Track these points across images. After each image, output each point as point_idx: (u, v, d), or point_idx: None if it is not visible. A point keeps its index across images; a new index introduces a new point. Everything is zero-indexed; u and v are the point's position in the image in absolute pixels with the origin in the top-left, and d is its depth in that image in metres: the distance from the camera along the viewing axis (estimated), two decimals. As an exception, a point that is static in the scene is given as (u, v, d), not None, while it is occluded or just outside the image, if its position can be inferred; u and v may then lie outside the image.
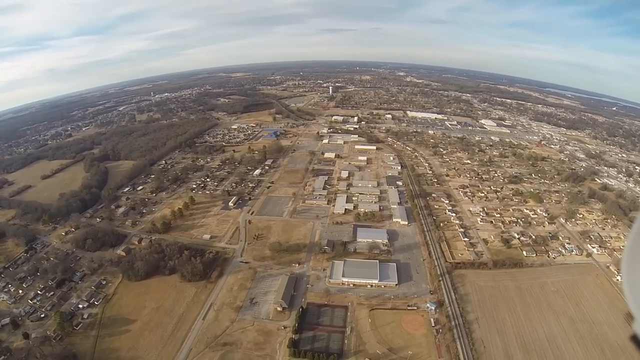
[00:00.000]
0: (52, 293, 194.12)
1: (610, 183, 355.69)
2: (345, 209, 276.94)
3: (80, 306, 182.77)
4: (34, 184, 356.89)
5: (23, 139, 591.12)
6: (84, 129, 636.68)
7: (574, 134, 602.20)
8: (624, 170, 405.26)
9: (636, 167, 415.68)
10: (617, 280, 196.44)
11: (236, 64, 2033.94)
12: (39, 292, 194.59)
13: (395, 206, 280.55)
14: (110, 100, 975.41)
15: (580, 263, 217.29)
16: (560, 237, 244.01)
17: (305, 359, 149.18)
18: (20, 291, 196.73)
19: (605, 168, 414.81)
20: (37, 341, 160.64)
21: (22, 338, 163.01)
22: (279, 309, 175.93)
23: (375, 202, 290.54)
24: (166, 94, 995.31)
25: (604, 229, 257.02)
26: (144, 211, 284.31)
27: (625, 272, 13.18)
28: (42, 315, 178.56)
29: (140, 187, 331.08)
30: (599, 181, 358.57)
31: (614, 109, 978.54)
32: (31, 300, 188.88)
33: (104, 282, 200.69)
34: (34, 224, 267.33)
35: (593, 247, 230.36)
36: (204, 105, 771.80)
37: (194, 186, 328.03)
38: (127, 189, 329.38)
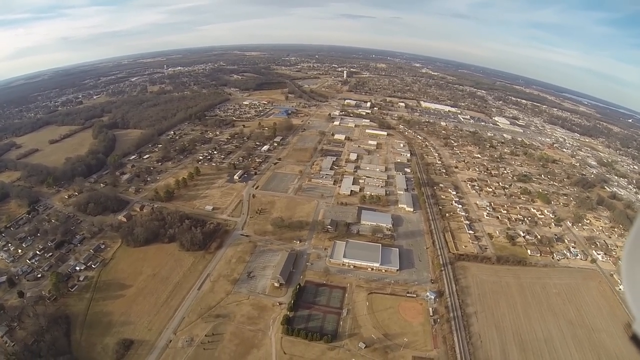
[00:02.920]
0: (50, 254, 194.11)
1: (619, 192, 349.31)
2: (351, 190, 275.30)
3: (78, 268, 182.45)
4: (42, 148, 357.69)
5: (34, 104, 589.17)
6: (95, 97, 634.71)
7: (587, 140, 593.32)
8: (634, 181, 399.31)
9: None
10: (620, 289, 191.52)
11: (252, 43, 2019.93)
12: (37, 252, 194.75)
13: (402, 192, 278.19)
14: (123, 71, 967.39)
15: (584, 268, 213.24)
16: (565, 240, 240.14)
17: (298, 337, 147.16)
18: (20, 251, 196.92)
19: (616, 177, 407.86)
20: (31, 300, 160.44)
21: (17, 296, 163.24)
22: (276, 284, 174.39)
23: (381, 187, 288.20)
24: (179, 67, 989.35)
25: (610, 237, 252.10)
26: (148, 179, 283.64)
27: (625, 272, 12.62)
28: (39, 275, 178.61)
29: (147, 156, 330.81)
30: (608, 189, 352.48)
31: (630, 120, 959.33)
32: (29, 260, 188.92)
33: (102, 246, 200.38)
34: (38, 186, 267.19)
35: (598, 254, 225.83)
36: (216, 80, 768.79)
37: (201, 158, 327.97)
38: (133, 156, 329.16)
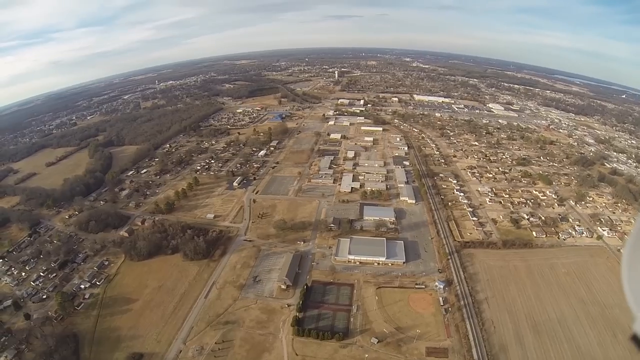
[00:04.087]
0: (54, 275, 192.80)
1: (619, 168, 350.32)
2: (352, 187, 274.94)
3: (82, 287, 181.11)
4: (39, 171, 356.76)
5: (28, 129, 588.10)
6: (88, 117, 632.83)
7: (582, 119, 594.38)
8: (633, 155, 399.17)
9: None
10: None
11: (241, 52, 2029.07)
12: (41, 274, 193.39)
13: (403, 185, 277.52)
14: (115, 90, 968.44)
15: (590, 245, 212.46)
16: (570, 219, 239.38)
17: (309, 337, 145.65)
18: (23, 274, 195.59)
19: (615, 153, 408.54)
20: (38, 322, 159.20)
21: (24, 319, 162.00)
22: (283, 287, 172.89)
23: (382, 181, 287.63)
24: (171, 81, 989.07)
25: (614, 213, 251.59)
26: (147, 193, 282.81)
27: (626, 272, 12.58)
28: (44, 297, 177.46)
29: (144, 170, 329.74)
30: (608, 166, 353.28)
31: (624, 96, 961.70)
32: (33, 282, 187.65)
33: (106, 263, 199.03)
34: (38, 209, 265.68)
35: (603, 230, 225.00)
36: (208, 91, 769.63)
37: (198, 168, 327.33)
38: (131, 172, 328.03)
